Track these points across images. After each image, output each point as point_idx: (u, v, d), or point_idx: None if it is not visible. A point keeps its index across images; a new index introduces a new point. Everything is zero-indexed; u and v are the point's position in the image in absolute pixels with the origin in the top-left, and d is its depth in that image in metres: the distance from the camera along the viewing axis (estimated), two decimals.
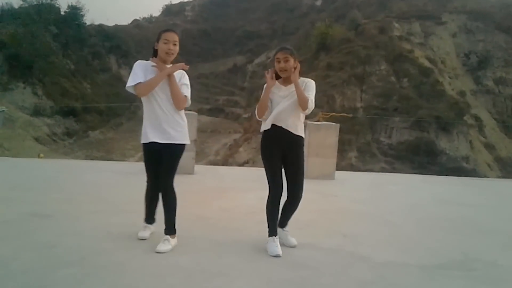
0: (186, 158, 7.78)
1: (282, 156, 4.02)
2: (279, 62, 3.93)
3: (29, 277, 3.10)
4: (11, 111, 36.64)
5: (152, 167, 3.97)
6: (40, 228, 4.16)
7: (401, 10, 51.11)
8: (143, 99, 3.85)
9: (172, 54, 3.87)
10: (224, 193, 6.42)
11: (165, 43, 3.82)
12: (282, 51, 3.96)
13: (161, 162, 3.86)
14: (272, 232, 3.99)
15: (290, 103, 3.93)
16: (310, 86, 3.99)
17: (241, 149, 35.79)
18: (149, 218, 4.21)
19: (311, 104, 3.88)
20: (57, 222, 4.40)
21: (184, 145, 3.94)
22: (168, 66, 3.89)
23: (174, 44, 3.85)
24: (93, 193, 5.71)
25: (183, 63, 3.91)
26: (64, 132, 40.23)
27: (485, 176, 27.38)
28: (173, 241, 3.91)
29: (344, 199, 6.69)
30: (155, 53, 3.93)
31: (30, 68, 41.93)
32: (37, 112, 39.74)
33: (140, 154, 31.46)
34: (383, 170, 28.53)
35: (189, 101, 3.98)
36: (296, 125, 3.99)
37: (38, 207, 4.89)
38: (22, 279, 3.06)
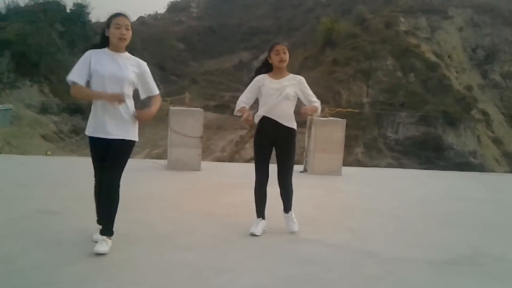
0: (192, 154, 7.81)
1: (273, 146, 4.27)
2: (278, 54, 4.16)
3: (37, 273, 3.11)
4: (18, 109, 36.83)
5: (100, 162, 3.66)
6: (47, 225, 4.17)
7: (407, 5, 50.79)
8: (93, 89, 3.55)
9: (125, 39, 3.55)
10: (231, 189, 6.41)
11: (117, 28, 3.51)
12: (279, 44, 4.25)
13: (108, 157, 3.58)
14: (257, 215, 4.37)
15: (282, 97, 4.13)
16: (305, 85, 4.26)
17: (247, 145, 35.80)
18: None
19: (319, 106, 4.22)
20: (65, 219, 4.41)
21: (133, 141, 3.67)
22: (122, 53, 3.61)
23: (127, 29, 3.54)
24: None
25: (119, 95, 3.49)
26: (71, 130, 40.39)
27: (492, 171, 27.22)
28: (109, 242, 3.58)
29: (351, 195, 6.66)
30: (104, 41, 3.62)
31: (36, 66, 42.09)
32: (44, 109, 39.92)
33: (147, 151, 31.59)
34: (389, 165, 28.44)
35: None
36: (288, 118, 4.20)
37: (46, 204, 4.91)
38: (30, 276, 3.07)
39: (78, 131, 40.86)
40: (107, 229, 3.61)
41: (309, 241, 4.17)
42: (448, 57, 44.74)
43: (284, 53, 4.15)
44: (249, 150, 34.66)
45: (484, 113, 40.06)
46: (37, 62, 42.10)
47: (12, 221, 4.23)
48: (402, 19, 46.46)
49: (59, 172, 7.11)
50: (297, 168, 8.15)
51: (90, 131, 3.61)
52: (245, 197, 5.88)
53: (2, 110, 34.15)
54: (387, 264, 3.73)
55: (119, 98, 3.47)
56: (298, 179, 7.22)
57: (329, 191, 6.78)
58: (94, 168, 3.71)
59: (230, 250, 3.83)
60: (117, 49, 3.61)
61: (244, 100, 4.21)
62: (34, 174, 6.76)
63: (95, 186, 3.77)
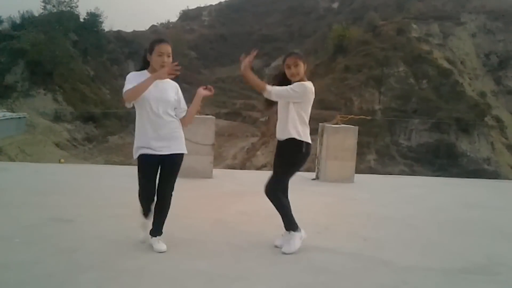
0: (204, 162, 7.82)
1: None
2: (289, 68, 3.93)
3: (51, 281, 3.12)
4: (32, 117, 37.28)
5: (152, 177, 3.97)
6: (61, 233, 4.19)
7: (419, 11, 50.66)
8: (136, 107, 3.76)
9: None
10: (243, 197, 6.40)
11: (159, 55, 3.65)
12: (291, 56, 3.96)
13: (161, 172, 3.91)
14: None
15: (279, 108, 4.05)
16: (294, 85, 3.90)
17: (258, 152, 35.80)
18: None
19: (270, 93, 3.94)
20: (78, 227, 4.44)
21: (182, 154, 3.95)
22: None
23: (168, 56, 3.68)
24: (113, 198, 5.75)
25: (173, 65, 3.62)
26: (84, 138, 40.77)
27: (507, 178, 26.89)
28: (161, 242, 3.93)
29: (364, 202, 6.61)
30: (145, 64, 3.80)
31: (50, 75, 42.63)
32: (57, 118, 40.38)
33: None
34: (402, 172, 28.24)
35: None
36: (282, 130, 4.00)
37: (59, 211, 4.94)
38: (44, 284, 3.08)
39: (91, 138, 41.27)
40: (158, 230, 3.92)
41: (322, 249, 4.14)
42: (461, 63, 44.47)
43: (295, 66, 3.89)
44: (260, 157, 34.65)
45: (498, 119, 39.67)
46: (51, 71, 42.64)
47: (26, 229, 4.26)
48: (414, 26, 46.31)
49: (73, 179, 7.16)
50: (309, 175, 8.14)
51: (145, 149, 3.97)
52: (257, 205, 5.88)
53: (17, 118, 34.59)
54: (401, 273, 3.69)
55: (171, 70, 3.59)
56: (310, 186, 7.21)
57: (342, 199, 6.73)
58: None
59: (243, 258, 3.82)
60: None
61: None
62: (48, 182, 6.81)
63: (139, 196, 4.01)
